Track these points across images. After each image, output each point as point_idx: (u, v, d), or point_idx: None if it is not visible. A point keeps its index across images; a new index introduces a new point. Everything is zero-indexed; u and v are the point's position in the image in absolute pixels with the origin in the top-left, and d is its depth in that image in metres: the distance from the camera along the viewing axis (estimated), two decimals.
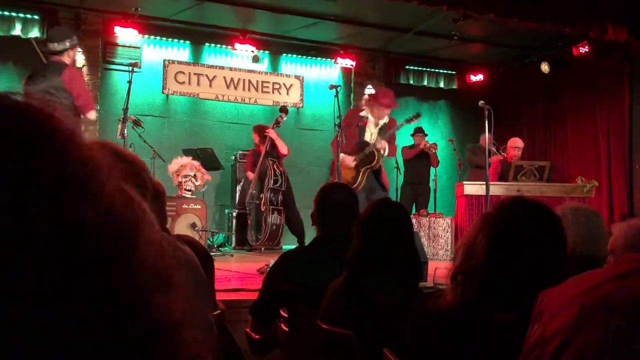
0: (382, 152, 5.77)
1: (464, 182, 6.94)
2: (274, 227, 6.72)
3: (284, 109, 6.99)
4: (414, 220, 6.49)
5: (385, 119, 5.84)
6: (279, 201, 6.76)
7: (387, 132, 5.82)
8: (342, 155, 5.63)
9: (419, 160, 7.77)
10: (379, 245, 1.90)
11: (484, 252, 1.24)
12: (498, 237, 1.26)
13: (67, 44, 4.91)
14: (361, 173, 5.74)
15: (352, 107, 8.70)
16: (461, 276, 1.26)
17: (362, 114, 5.84)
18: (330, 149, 6.21)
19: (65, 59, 4.93)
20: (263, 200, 6.76)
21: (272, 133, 6.79)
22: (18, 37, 7.34)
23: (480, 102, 5.61)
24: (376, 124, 5.80)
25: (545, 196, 6.60)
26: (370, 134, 5.80)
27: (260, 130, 7.03)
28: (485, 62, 9.56)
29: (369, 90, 8.75)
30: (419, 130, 7.82)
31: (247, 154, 7.31)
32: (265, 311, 2.35)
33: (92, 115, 5.06)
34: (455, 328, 1.24)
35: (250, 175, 6.98)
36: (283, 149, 6.83)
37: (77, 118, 4.87)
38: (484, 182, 5.84)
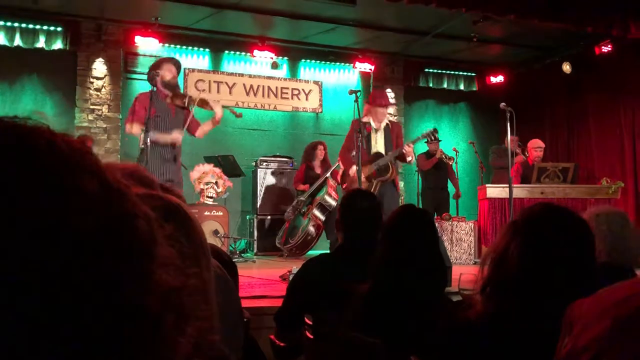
0: (408, 158, 5.72)
1: (487, 185, 6.88)
2: (309, 237, 6.78)
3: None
4: (436, 225, 6.44)
5: (386, 121, 5.85)
6: (323, 219, 6.88)
7: (392, 136, 5.82)
8: (354, 168, 5.57)
9: (438, 167, 7.68)
10: (403, 252, 1.89)
11: (516, 262, 1.22)
12: (531, 247, 1.23)
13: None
14: (374, 184, 5.70)
15: None
16: (492, 287, 1.24)
17: (365, 120, 5.82)
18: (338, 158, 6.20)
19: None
20: (309, 211, 6.88)
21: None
22: (42, 49, 7.47)
23: (502, 104, 5.53)
24: (377, 129, 5.80)
25: (570, 198, 6.52)
26: (376, 140, 5.80)
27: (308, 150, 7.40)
28: (505, 64, 9.47)
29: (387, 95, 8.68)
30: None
31: (299, 169, 7.46)
32: (289, 318, 2.35)
33: (126, 128, 5.31)
34: (487, 339, 1.22)
35: (302, 186, 7.17)
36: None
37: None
38: (507, 185, 5.77)
